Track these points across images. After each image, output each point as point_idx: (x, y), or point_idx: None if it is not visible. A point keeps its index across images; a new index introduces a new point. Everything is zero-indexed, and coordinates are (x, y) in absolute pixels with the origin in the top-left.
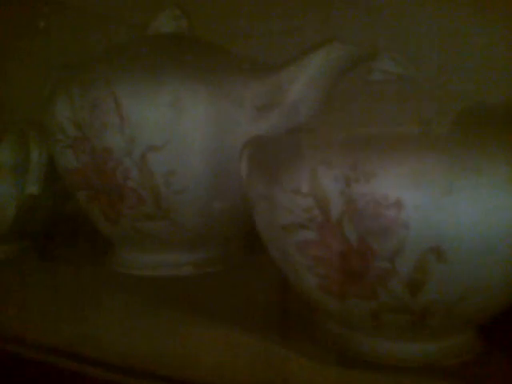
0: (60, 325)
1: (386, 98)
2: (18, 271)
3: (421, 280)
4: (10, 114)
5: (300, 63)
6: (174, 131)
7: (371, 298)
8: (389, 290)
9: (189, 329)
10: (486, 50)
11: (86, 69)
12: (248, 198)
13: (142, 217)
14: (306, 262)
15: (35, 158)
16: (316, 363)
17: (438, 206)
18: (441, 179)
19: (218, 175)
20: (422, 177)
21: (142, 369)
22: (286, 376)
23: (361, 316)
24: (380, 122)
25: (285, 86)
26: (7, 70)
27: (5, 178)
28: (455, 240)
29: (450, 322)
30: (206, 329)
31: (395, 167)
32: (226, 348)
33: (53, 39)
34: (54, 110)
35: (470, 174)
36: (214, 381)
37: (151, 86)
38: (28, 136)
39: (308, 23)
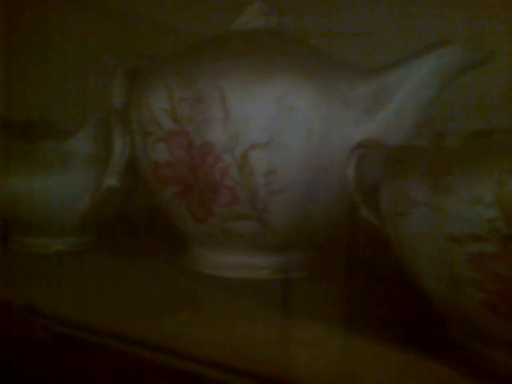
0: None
1: None
2: (87, 265)
3: None
4: (90, 102)
5: (410, 65)
6: (279, 129)
7: None
8: None
9: (300, 334)
10: None
11: (186, 61)
12: (357, 201)
13: (233, 216)
14: (474, 276)
15: (119, 149)
16: None
17: None
18: None
19: (317, 177)
20: None
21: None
22: None
23: None
24: None
25: (392, 87)
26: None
27: (80, 168)
28: None
29: None
30: (321, 335)
31: None
32: (352, 357)
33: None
34: (147, 102)
35: None
36: None
37: (259, 81)
38: (111, 125)
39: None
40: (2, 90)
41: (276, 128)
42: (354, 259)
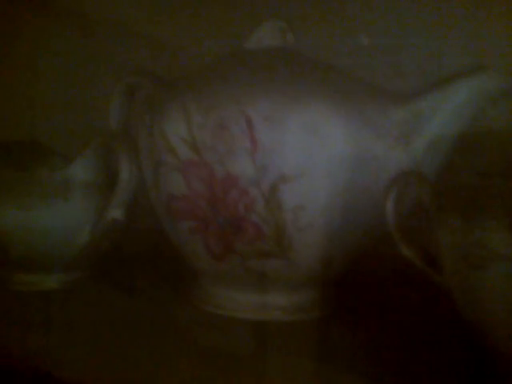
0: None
1: None
2: (81, 307)
3: None
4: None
5: (445, 91)
6: (310, 160)
7: None
8: None
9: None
10: None
11: (205, 84)
12: (397, 239)
13: (256, 254)
14: None
15: (125, 178)
16: None
17: None
18: None
19: (347, 211)
20: None
21: None
22: None
23: None
24: None
25: (427, 115)
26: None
27: (80, 198)
28: None
29: None
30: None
31: None
32: None
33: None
34: (161, 128)
35: None
36: None
37: (289, 109)
38: (116, 152)
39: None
40: None
41: (307, 159)
42: (375, 297)
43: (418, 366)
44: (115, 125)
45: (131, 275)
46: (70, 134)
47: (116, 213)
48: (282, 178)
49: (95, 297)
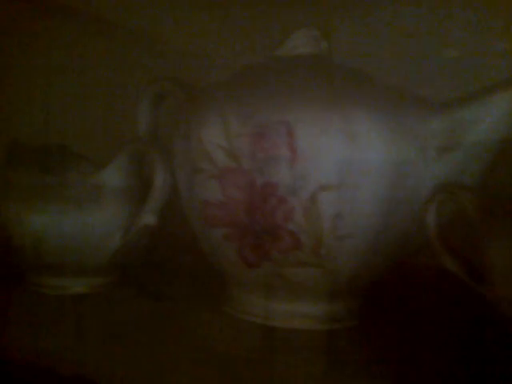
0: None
1: None
2: (110, 311)
3: None
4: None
5: (487, 101)
6: (350, 169)
7: None
8: None
9: None
10: None
11: (243, 91)
12: (439, 252)
13: (292, 263)
14: None
15: (159, 184)
16: None
17: None
18: None
19: (385, 221)
20: None
21: None
22: None
23: None
24: None
25: (467, 125)
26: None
27: (111, 203)
28: None
29: None
30: None
31: None
32: None
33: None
34: (199, 135)
35: None
36: None
37: (329, 116)
38: (151, 157)
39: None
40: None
41: (347, 168)
42: (409, 307)
43: (456, 380)
44: (143, 131)
45: (161, 281)
46: (90, 138)
47: (149, 219)
48: (322, 186)
49: (124, 302)
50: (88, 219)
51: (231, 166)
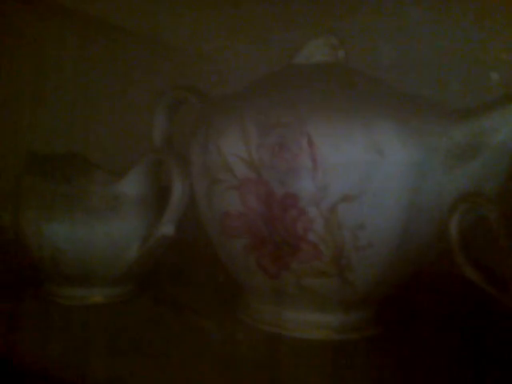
0: None
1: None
2: (129, 320)
3: None
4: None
5: (505, 110)
6: (371, 180)
7: None
8: None
9: None
10: None
11: (262, 101)
12: (462, 263)
13: (312, 273)
14: None
15: (177, 195)
16: None
17: None
18: None
19: (406, 231)
20: None
21: None
22: None
23: None
24: None
25: (488, 133)
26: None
27: (129, 213)
28: None
29: None
30: None
31: None
32: None
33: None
34: (218, 146)
35: None
36: None
37: (350, 127)
38: (169, 167)
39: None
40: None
41: (368, 178)
42: (429, 316)
43: None
44: (159, 139)
45: (178, 290)
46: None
47: (167, 229)
48: (343, 197)
49: (142, 312)
50: (106, 229)
51: (251, 176)
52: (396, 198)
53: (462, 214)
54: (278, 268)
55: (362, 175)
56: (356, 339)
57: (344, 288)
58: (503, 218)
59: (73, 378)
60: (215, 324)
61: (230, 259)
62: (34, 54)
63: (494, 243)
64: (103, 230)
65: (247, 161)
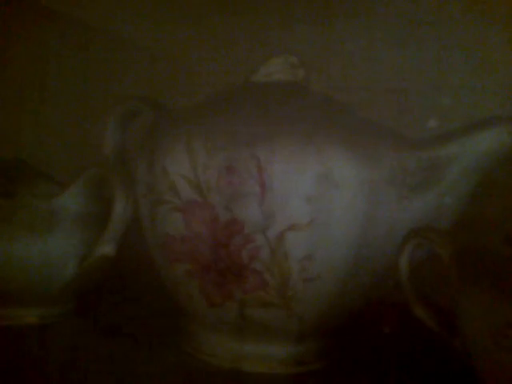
0: None
1: None
2: (61, 344)
3: None
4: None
5: (462, 141)
6: (321, 208)
7: None
8: None
9: None
10: None
11: (211, 120)
12: (411, 300)
13: (256, 303)
14: None
15: (118, 214)
16: None
17: None
18: None
19: (358, 263)
20: None
21: None
22: None
23: None
24: None
25: (444, 165)
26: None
27: (68, 230)
28: None
29: None
30: None
31: None
32: None
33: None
34: (163, 165)
35: None
36: None
37: (302, 152)
38: (111, 183)
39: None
40: None
41: (318, 207)
42: (378, 348)
43: None
44: (109, 152)
45: (118, 314)
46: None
47: (107, 248)
48: (291, 225)
49: (77, 335)
50: (41, 246)
51: (197, 199)
52: (347, 228)
53: (414, 248)
54: (222, 297)
55: (312, 204)
56: (302, 373)
57: (290, 320)
58: (455, 255)
59: None
60: (154, 354)
61: (173, 285)
62: None
63: (445, 282)
64: (37, 247)
65: (193, 182)
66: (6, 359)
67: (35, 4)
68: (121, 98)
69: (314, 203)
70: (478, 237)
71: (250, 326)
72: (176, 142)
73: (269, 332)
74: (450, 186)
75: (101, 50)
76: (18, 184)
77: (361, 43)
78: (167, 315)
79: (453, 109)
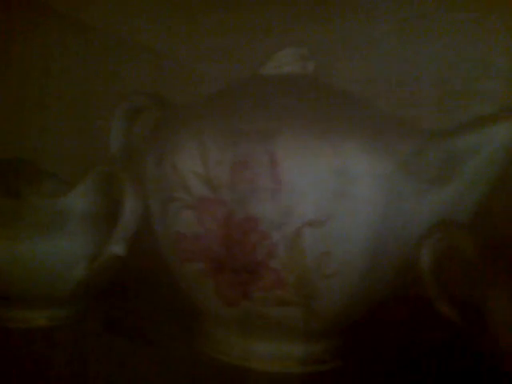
0: None
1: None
2: (73, 347)
3: None
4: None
5: (481, 133)
6: (339, 204)
7: None
8: None
9: None
10: None
11: (223, 115)
12: (434, 296)
13: (274, 302)
14: None
15: (129, 212)
16: None
17: None
18: None
19: (376, 258)
20: None
21: None
22: None
23: None
24: None
25: (463, 156)
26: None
27: (76, 230)
28: None
29: None
30: None
31: None
32: None
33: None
34: (174, 162)
35: None
36: None
37: (317, 147)
38: (121, 181)
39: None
40: None
41: (335, 203)
42: (395, 346)
43: None
44: (116, 150)
45: (130, 314)
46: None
47: (117, 248)
48: (308, 221)
49: (88, 336)
50: (49, 247)
51: (209, 196)
52: (365, 222)
53: (434, 243)
54: (237, 295)
55: (329, 199)
56: (319, 371)
57: (308, 318)
58: (480, 252)
59: None
60: (167, 353)
61: (186, 283)
62: None
63: (467, 276)
64: (46, 248)
65: (205, 178)
66: (15, 361)
67: (36, 4)
68: (126, 94)
69: (331, 198)
70: (500, 230)
71: (267, 324)
72: (186, 138)
73: (286, 331)
74: (468, 179)
75: (101, 49)
76: (24, 184)
77: (366, 36)
78: (181, 314)
79: (461, 101)
